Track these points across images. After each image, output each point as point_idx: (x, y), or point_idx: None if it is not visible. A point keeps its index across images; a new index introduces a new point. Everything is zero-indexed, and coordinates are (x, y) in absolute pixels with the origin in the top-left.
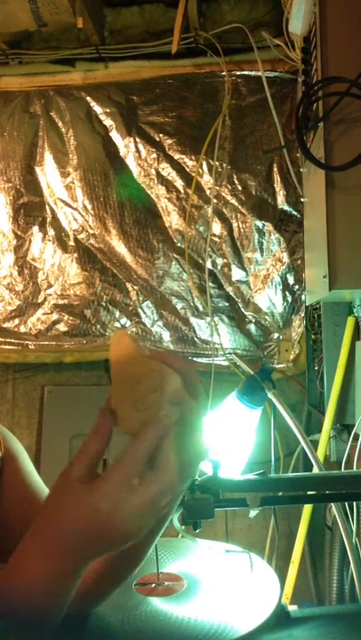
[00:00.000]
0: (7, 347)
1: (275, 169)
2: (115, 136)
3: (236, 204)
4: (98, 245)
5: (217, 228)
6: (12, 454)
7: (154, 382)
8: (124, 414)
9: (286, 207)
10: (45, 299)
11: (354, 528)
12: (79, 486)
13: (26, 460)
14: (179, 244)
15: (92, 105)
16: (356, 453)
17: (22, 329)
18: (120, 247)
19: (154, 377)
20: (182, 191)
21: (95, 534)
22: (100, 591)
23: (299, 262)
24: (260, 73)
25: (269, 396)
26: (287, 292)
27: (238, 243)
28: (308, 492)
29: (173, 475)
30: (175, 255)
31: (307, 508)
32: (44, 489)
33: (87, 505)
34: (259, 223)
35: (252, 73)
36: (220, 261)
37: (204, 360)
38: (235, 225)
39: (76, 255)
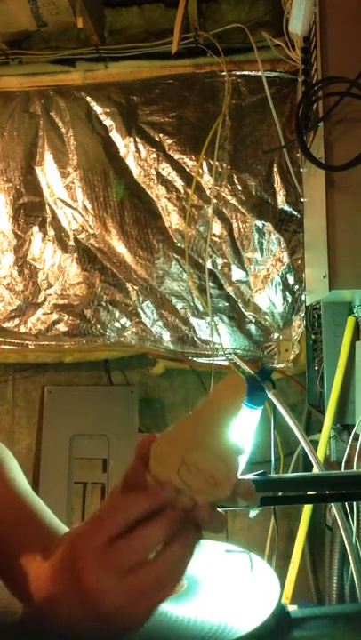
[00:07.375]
0: (7, 347)
1: (275, 169)
2: (115, 136)
3: (236, 204)
4: (98, 245)
5: (217, 228)
6: None
7: (225, 464)
8: (167, 462)
9: (286, 207)
10: (45, 299)
11: (354, 528)
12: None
13: (12, 467)
14: (179, 244)
15: (92, 105)
16: (356, 453)
17: (22, 329)
18: (120, 247)
19: (229, 462)
20: (182, 191)
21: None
22: None
23: (299, 262)
24: (260, 73)
25: (269, 395)
26: (287, 292)
27: (238, 243)
28: (308, 492)
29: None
30: (175, 255)
31: (307, 508)
32: (31, 497)
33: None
34: (259, 223)
35: (253, 73)
36: (220, 261)
37: (204, 360)
38: (235, 225)
39: (76, 255)
